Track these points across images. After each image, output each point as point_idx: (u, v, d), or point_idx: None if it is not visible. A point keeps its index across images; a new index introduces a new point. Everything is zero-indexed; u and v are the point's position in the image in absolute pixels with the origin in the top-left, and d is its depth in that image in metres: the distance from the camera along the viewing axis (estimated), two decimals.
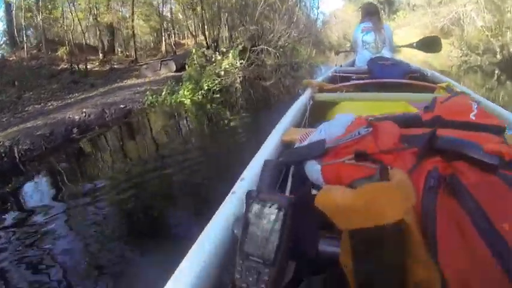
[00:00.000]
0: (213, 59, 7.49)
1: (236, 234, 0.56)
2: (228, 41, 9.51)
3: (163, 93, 6.30)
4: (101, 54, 10.89)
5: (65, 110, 5.60)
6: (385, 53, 2.55)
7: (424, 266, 0.37)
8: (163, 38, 12.37)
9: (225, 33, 9.77)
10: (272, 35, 9.11)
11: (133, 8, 11.30)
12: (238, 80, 7.19)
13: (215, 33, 10.12)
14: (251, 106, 5.85)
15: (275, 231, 0.40)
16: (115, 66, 10.43)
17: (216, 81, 6.76)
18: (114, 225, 2.23)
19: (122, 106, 5.94)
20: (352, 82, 2.14)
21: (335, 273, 0.44)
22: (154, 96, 6.24)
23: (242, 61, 7.50)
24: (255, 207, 0.43)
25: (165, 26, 12.42)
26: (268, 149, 0.89)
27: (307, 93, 1.75)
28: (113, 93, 6.85)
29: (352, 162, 0.52)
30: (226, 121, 4.91)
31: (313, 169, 0.57)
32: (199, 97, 6.39)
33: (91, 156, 4.00)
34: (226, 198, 0.64)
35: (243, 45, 8.13)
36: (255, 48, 8.71)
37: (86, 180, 3.12)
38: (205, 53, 7.77)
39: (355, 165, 0.51)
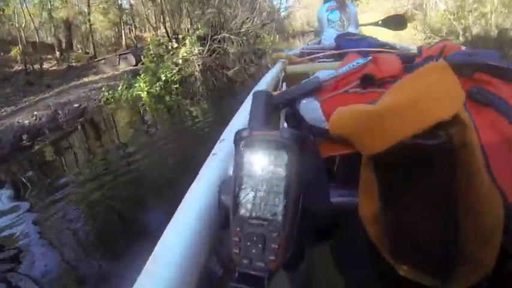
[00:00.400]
0: (170, 48, 7.27)
1: (224, 200, 0.43)
2: (189, 31, 9.24)
3: (119, 88, 6.08)
4: (57, 52, 10.34)
5: (16, 115, 5.29)
6: (351, 30, 2.52)
7: (483, 191, 0.29)
8: (123, 31, 11.89)
9: (187, 24, 9.49)
10: (234, 22, 8.93)
11: (89, 0, 10.77)
12: (197, 69, 7.01)
13: (176, 23, 9.81)
14: (214, 95, 5.73)
15: (280, 180, 0.31)
16: (73, 64, 9.96)
17: (174, 71, 6.54)
18: (77, 240, 2.06)
19: (76, 105, 5.69)
20: (323, 53, 2.04)
21: (345, 237, 0.38)
22: (110, 92, 6.03)
23: (201, 48, 7.30)
24: (249, 152, 0.33)
25: (125, 19, 11.93)
26: (245, 112, 0.80)
27: (278, 65, 1.68)
28: (68, 93, 6.55)
29: (357, 91, 0.47)
30: (186, 112, 4.79)
31: (310, 107, 0.51)
32: (157, 89, 6.16)
33: (43, 164, 3.68)
34: (206, 161, 0.55)
35: (200, 31, 7.90)
36: (217, 36, 8.52)
37: (37, 192, 2.83)
38: (162, 41, 7.49)
39: (361, 93, 0.46)
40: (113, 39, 13.09)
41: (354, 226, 0.37)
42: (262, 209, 0.31)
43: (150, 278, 0.35)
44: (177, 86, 6.32)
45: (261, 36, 9.73)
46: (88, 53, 11.29)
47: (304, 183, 0.32)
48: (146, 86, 6.07)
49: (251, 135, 0.33)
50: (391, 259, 0.34)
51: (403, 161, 0.30)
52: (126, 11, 12.14)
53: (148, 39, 7.02)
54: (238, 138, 0.34)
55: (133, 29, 12.29)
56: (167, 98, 5.86)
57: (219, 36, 8.54)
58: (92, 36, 10.99)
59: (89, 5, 10.82)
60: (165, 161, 3.06)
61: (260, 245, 0.30)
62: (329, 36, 2.52)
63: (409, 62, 0.61)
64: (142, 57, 6.93)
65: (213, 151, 0.58)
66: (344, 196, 0.41)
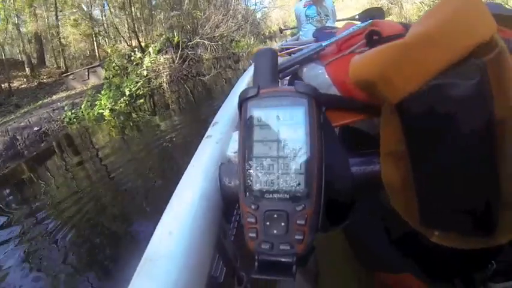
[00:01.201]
0: (133, 59, 6.74)
1: (227, 183, 0.38)
2: (166, 40, 8.88)
3: (82, 106, 5.67)
4: (27, 69, 9.92)
5: None
6: (330, 24, 2.49)
7: None
8: (95, 43, 11.47)
9: (160, 32, 9.13)
10: (207, 26, 8.60)
11: (56, 11, 10.35)
12: (165, 80, 6.53)
13: (149, 32, 9.45)
14: (188, 106, 5.37)
15: (300, 142, 0.27)
16: (44, 80, 9.55)
17: (139, 84, 6.02)
18: None
19: (36, 129, 5.31)
20: (302, 46, 2.05)
21: (362, 213, 0.34)
22: (73, 111, 5.61)
23: (167, 56, 6.80)
24: (259, 112, 0.28)
25: (97, 30, 11.50)
26: (233, 101, 0.72)
27: None
28: (31, 113, 6.16)
29: (364, 50, 0.44)
30: (153, 130, 4.40)
31: (314, 73, 0.47)
32: (122, 105, 5.66)
33: None
34: (200, 144, 0.50)
35: (172, 38, 7.48)
36: (190, 43, 8.18)
37: None
38: (124, 51, 7.02)
39: None
40: (88, 51, 12.62)
41: (370, 200, 0.39)
42: (281, 180, 0.27)
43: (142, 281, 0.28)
44: (142, 100, 5.81)
45: (236, 39, 9.43)
46: (60, 67, 10.86)
47: (324, 147, 0.27)
48: (109, 103, 5.57)
49: (260, 93, 0.29)
50: (421, 227, 0.31)
51: (435, 103, 0.27)
52: (99, 22, 11.68)
53: (109, 50, 6.45)
54: (243, 98, 0.29)
55: (106, 40, 11.80)
56: (134, 115, 5.36)
57: (192, 43, 8.21)
58: (62, 50, 10.56)
59: (56, 17, 10.38)
60: (136, 182, 2.76)
61: (283, 223, 0.26)
62: (307, 32, 2.50)
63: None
64: (104, 69, 6.51)
65: (207, 134, 0.53)
66: (362, 165, 0.35)
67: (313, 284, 0.58)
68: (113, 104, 5.61)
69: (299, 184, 0.26)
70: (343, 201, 0.32)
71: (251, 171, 0.27)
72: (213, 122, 0.58)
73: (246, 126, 0.28)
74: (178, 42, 7.58)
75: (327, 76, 0.45)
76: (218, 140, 0.49)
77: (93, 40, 11.60)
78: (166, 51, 7.18)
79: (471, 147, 0.26)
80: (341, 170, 0.32)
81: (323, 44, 0.50)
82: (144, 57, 6.52)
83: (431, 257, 0.41)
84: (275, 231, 0.26)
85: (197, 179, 0.39)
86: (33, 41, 10.91)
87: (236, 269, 0.43)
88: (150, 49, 6.55)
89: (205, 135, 0.52)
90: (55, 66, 11.07)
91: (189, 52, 7.86)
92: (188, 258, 0.31)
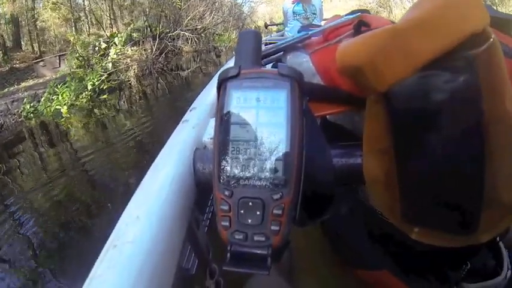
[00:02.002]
0: (98, 49, 6.15)
1: (201, 168, 0.37)
2: (146, 30, 8.42)
3: (42, 98, 5.21)
4: (0, 52, 9.39)
5: None
6: (317, 23, 2.58)
7: None
8: (73, 28, 10.93)
9: (141, 21, 8.66)
10: (190, 17, 8.18)
11: None
12: (132, 74, 6.00)
13: (131, 20, 8.99)
14: (162, 102, 4.98)
15: (279, 126, 0.25)
16: (16, 65, 9.04)
17: (103, 77, 5.48)
18: None
19: None
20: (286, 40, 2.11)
21: (341, 208, 0.37)
22: (32, 105, 5.17)
23: (135, 48, 6.23)
24: (239, 94, 0.27)
25: (77, 15, 10.94)
26: (213, 88, 0.66)
27: None
28: None
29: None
30: (118, 128, 4.02)
31: (299, 61, 0.45)
32: (83, 100, 5.17)
33: None
34: (176, 128, 0.48)
35: (132, 26, 6.97)
36: (171, 34, 7.76)
37: None
38: (88, 40, 6.35)
39: None
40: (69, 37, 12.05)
41: (350, 197, 0.39)
42: (258, 166, 0.25)
43: (104, 272, 0.26)
44: (105, 96, 5.30)
45: (218, 33, 9.03)
46: (35, 52, 10.33)
47: (305, 135, 0.26)
48: (69, 98, 5.06)
49: (241, 74, 0.27)
50: (401, 223, 0.30)
51: (423, 94, 0.26)
52: (79, 6, 11.10)
53: (72, 38, 5.84)
54: (223, 79, 0.28)
55: (87, 25, 11.24)
56: (96, 111, 4.91)
57: (173, 34, 7.79)
58: (37, 34, 10.01)
59: None
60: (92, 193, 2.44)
61: (258, 212, 0.25)
62: (293, 28, 2.51)
63: None
64: (65, 60, 6.05)
65: (184, 118, 0.51)
66: (343, 157, 0.34)
67: (287, 280, 0.56)
68: (74, 99, 5.11)
69: (277, 171, 0.25)
70: (323, 193, 0.31)
71: (226, 155, 0.26)
72: (190, 107, 0.56)
73: (223, 107, 0.27)
74: (157, 32, 7.16)
75: (311, 64, 0.43)
76: (195, 125, 0.47)
77: (72, 26, 11.05)
78: (142, 42, 6.73)
79: (459, 143, 0.26)
80: (322, 160, 0.31)
81: (309, 33, 0.49)
82: (110, 48, 5.96)
83: (409, 254, 0.41)
84: (250, 221, 0.25)
85: (170, 162, 0.37)
86: (5, 23, 10.33)
87: (209, 261, 0.41)
88: (116, 39, 5.94)
89: (182, 120, 0.50)
90: (30, 50, 10.53)
91: (168, 43, 7.46)
92: (156, 245, 0.29)
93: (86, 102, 5.17)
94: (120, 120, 4.45)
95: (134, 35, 6.48)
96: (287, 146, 0.25)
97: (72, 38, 5.84)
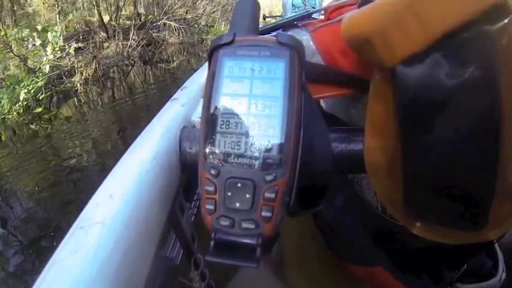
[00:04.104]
0: (29, 46, 4.72)
1: (187, 148, 0.34)
2: (135, 19, 7.70)
3: None
4: None
5: None
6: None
7: None
8: (57, 16, 10.19)
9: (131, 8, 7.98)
10: (177, 6, 7.54)
11: None
12: (78, 78, 4.73)
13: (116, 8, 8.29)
14: (127, 110, 4.00)
15: (276, 99, 0.23)
16: None
17: (38, 84, 4.17)
18: None
19: None
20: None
21: (337, 199, 0.35)
22: None
23: (75, 46, 4.91)
24: (231, 63, 0.24)
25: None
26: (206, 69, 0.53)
27: None
28: None
29: None
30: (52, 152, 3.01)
31: (298, 38, 0.38)
32: (14, 114, 3.87)
33: None
34: (165, 106, 0.44)
35: (71, 17, 5.66)
36: (157, 23, 7.12)
37: None
38: (24, 34, 4.67)
39: None
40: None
41: (346, 188, 0.37)
42: (249, 142, 0.23)
43: (67, 260, 0.23)
44: (40, 109, 3.99)
45: (209, 24, 8.39)
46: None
47: (304, 113, 0.24)
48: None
49: (235, 41, 0.25)
50: (403, 216, 0.29)
51: (435, 73, 0.23)
52: None
53: (2, 32, 4.27)
54: (215, 46, 0.25)
55: (74, 12, 10.47)
56: (33, 126, 3.66)
57: (159, 23, 7.18)
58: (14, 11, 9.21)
59: None
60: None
61: (248, 195, 0.22)
62: None
63: None
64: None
65: (173, 97, 0.48)
66: (343, 142, 0.32)
67: (275, 274, 0.54)
68: (6, 112, 3.84)
69: (271, 149, 0.22)
70: (319, 179, 0.29)
71: (214, 129, 0.23)
72: (181, 86, 0.54)
73: (214, 77, 0.25)
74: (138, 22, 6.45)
75: (311, 43, 0.40)
76: (184, 104, 0.44)
77: (57, 11, 10.32)
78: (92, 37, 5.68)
79: (472, 128, 0.24)
80: (320, 143, 0.29)
81: (310, 11, 0.47)
82: (46, 47, 4.55)
83: (405, 251, 0.41)
84: (238, 205, 0.22)
85: (153, 139, 0.34)
86: None
87: (194, 251, 0.40)
88: (49, 35, 4.50)
89: (171, 98, 0.47)
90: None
91: (153, 33, 6.81)
92: (130, 227, 0.26)
93: (17, 117, 3.90)
94: (58, 147, 3.26)
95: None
96: (283, 121, 0.22)
97: (3, 32, 4.33)
